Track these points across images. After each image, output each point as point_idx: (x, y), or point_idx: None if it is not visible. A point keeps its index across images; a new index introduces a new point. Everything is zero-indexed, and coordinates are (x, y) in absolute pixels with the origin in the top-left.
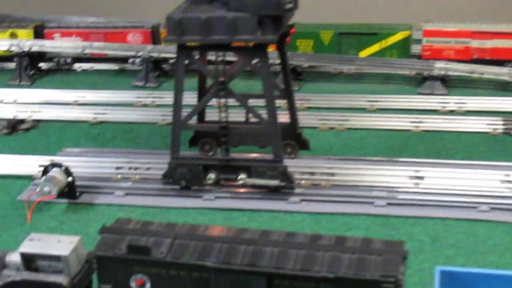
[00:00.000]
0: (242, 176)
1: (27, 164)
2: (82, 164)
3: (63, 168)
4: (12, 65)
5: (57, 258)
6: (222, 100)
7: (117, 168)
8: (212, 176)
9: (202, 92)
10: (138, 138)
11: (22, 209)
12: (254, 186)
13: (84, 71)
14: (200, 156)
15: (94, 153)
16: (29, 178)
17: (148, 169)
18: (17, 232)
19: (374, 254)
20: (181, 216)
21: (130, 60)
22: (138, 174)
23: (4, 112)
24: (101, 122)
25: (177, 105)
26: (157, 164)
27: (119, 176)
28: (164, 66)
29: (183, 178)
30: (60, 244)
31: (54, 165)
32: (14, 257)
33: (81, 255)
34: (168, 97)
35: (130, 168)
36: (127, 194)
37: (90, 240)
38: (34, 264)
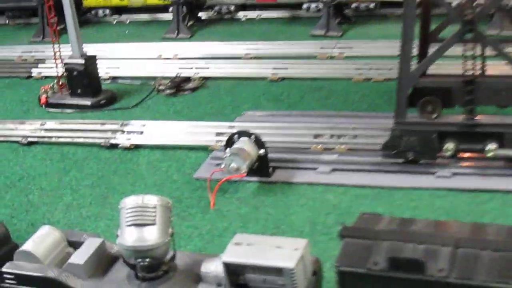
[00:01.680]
0: (491, 146)
1: (201, 132)
2: (270, 131)
3: (252, 137)
4: (168, 16)
5: (277, 271)
6: (468, 46)
7: (316, 136)
8: (450, 146)
9: (425, 39)
10: (331, 97)
11: (201, 190)
12: (508, 160)
13: (250, 20)
14: (434, 121)
15: (281, 117)
16: (204, 149)
17: (354, 137)
18: (198, 221)
19: None
20: (408, 199)
21: (305, 6)
22: (344, 144)
23: (165, 69)
24: (282, 79)
25: (405, 54)
26: (365, 131)
27: (319, 146)
28: (346, 11)
29: (411, 149)
30: (280, 251)
31: (240, 133)
32: (213, 267)
33: (308, 265)
34: (358, 48)
35: (332, 136)
36: (333, 170)
37: (296, 233)
38: (241, 278)
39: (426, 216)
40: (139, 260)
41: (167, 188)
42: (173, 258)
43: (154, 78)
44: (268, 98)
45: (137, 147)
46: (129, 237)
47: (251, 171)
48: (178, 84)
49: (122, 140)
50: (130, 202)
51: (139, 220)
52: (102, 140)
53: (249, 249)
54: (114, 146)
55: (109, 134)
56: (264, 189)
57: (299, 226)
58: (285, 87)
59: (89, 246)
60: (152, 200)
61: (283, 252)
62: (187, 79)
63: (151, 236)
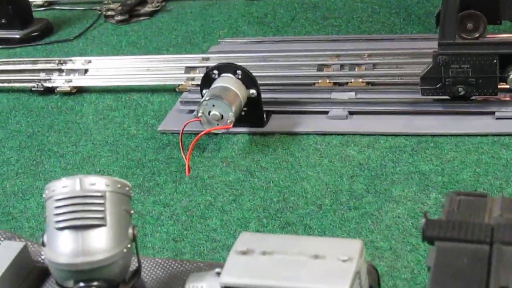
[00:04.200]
0: None
1: (165, 67)
2: (257, 63)
3: (238, 72)
4: None
5: None
6: None
7: (320, 66)
8: None
9: None
10: (330, 17)
11: (169, 148)
12: None
13: None
14: (495, 40)
15: (269, 44)
16: (171, 91)
17: (374, 66)
18: (168, 195)
19: None
20: (462, 151)
21: None
22: (361, 77)
23: None
24: None
25: None
26: (388, 58)
27: (328, 81)
28: None
29: (462, 81)
30: (319, 266)
31: (221, 68)
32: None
33: (364, 283)
34: None
35: (342, 67)
36: (351, 113)
37: (313, 207)
38: None
39: (494, 176)
40: (82, 285)
41: (122, 147)
42: (136, 273)
43: (100, 2)
44: (249, 21)
45: (80, 91)
46: (63, 247)
47: (239, 119)
48: (131, 8)
49: (60, 82)
50: (60, 188)
51: (78, 219)
52: (33, 84)
53: (266, 262)
54: (50, 91)
55: (42, 75)
56: (258, 144)
57: (315, 198)
58: (269, 6)
59: (2, 254)
60: (98, 183)
61: (325, 266)
62: (143, 1)
63: (100, 244)
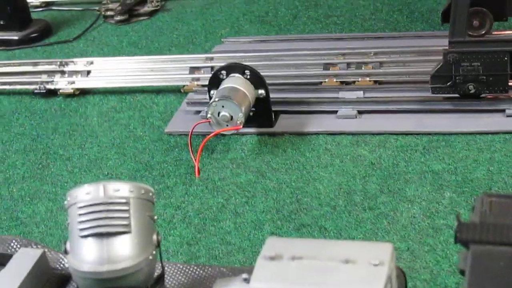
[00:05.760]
0: None
1: (169, 68)
2: (262, 63)
3: (247, 72)
4: None
5: None
6: None
7: (326, 65)
8: None
9: None
10: (333, 15)
11: (177, 150)
12: None
13: None
14: (505, 37)
15: (274, 43)
16: (176, 92)
17: (381, 65)
18: (179, 198)
19: None
20: (474, 149)
21: None
22: (368, 75)
23: None
24: None
25: None
26: (395, 56)
27: (335, 80)
28: None
29: (473, 79)
30: (351, 270)
31: (230, 68)
32: None
33: (394, 282)
34: None
35: (349, 65)
36: (360, 113)
37: (327, 208)
38: None
39: (508, 174)
40: None
41: (129, 149)
42: (160, 279)
43: (98, 2)
44: (251, 20)
45: (83, 92)
46: (88, 255)
47: (247, 120)
48: (131, 8)
49: (62, 84)
50: (83, 195)
51: (102, 226)
52: (35, 86)
53: (296, 268)
54: (53, 93)
55: (44, 77)
56: (267, 145)
57: (329, 199)
58: (270, 4)
59: (20, 262)
60: (122, 189)
61: (357, 271)
62: (142, 1)
63: (125, 251)
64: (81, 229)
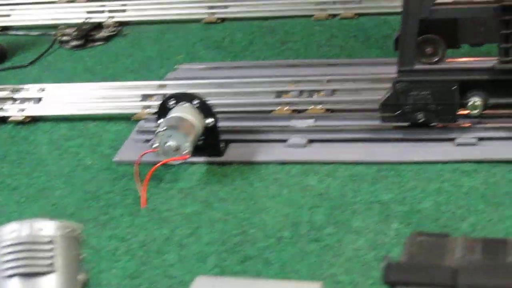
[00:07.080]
0: None
1: (121, 95)
2: (214, 90)
3: (196, 102)
4: None
5: None
6: None
7: (278, 93)
8: (477, 101)
9: None
10: (288, 41)
11: (125, 179)
12: None
13: None
14: (456, 67)
15: (228, 70)
16: (127, 119)
17: (333, 92)
18: (125, 229)
19: None
20: (423, 179)
21: None
22: (320, 103)
23: (69, 15)
24: (222, 20)
25: None
26: (347, 84)
27: (286, 108)
28: None
29: (422, 108)
30: None
31: (178, 97)
32: None
33: None
34: None
35: (301, 93)
36: (310, 142)
37: (272, 240)
38: None
39: (456, 204)
40: None
41: (77, 178)
42: None
43: (55, 27)
44: (207, 46)
45: (34, 120)
46: None
47: (196, 149)
48: (87, 33)
49: (13, 111)
50: (8, 234)
51: (26, 266)
52: None
53: None
54: (3, 121)
55: None
56: (216, 174)
57: (275, 230)
58: (226, 30)
59: None
60: (47, 228)
61: None
62: (98, 26)
63: None
64: (6, 269)
